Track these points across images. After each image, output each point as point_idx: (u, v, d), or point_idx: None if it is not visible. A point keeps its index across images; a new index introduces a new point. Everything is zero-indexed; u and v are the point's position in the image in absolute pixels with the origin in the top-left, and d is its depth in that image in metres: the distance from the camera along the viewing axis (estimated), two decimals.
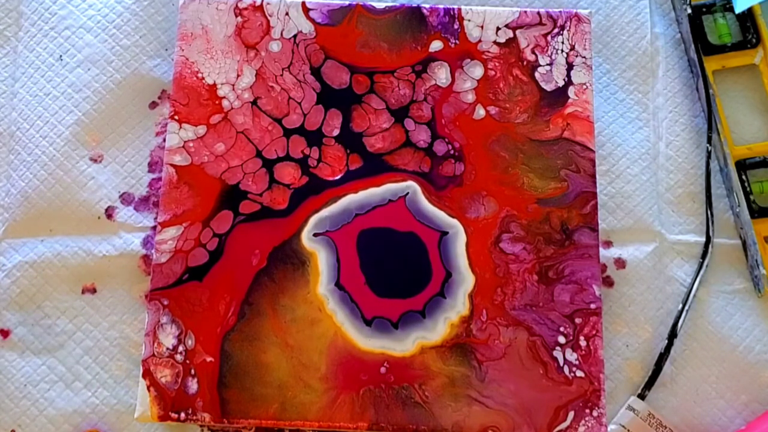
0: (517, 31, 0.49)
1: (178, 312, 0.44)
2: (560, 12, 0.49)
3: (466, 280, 0.45)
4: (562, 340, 0.44)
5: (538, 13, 0.49)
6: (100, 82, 0.50)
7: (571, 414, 0.43)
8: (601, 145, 0.50)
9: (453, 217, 0.46)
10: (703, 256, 0.48)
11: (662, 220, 0.49)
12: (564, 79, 0.48)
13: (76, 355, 0.46)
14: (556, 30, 0.49)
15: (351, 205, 0.46)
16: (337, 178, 0.47)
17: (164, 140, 0.49)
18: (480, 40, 0.49)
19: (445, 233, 0.46)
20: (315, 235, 0.46)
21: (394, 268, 0.45)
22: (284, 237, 0.46)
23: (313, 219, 0.46)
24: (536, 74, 0.48)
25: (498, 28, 0.49)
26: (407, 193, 0.46)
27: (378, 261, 0.45)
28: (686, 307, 0.46)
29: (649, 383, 0.46)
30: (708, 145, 0.49)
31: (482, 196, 0.46)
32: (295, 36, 0.49)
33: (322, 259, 0.45)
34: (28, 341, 0.47)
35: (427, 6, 0.49)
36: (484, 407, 0.43)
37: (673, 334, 0.46)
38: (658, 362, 0.46)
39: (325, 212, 0.46)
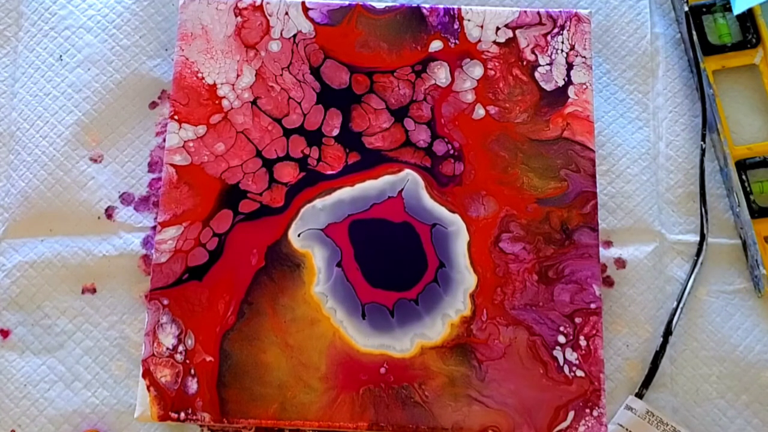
0: (517, 31, 0.49)
1: (177, 312, 0.44)
2: (560, 12, 0.49)
3: (466, 279, 0.45)
4: (562, 339, 0.44)
5: (538, 13, 0.49)
6: (100, 82, 0.50)
7: (571, 414, 0.43)
8: (601, 145, 0.50)
9: (454, 212, 0.46)
10: (698, 253, 0.48)
11: (662, 220, 0.49)
12: (564, 79, 0.48)
13: (76, 355, 0.46)
14: (556, 30, 0.49)
15: (346, 198, 0.46)
16: (334, 172, 0.47)
17: (164, 140, 0.49)
18: (480, 40, 0.49)
19: (435, 225, 0.46)
20: (299, 235, 0.46)
21: (388, 259, 0.45)
22: (278, 233, 0.46)
23: (304, 210, 0.46)
24: (536, 74, 0.48)
25: (498, 28, 0.49)
26: (407, 181, 0.46)
27: (372, 251, 0.45)
28: (681, 305, 0.46)
29: (647, 381, 0.46)
30: (702, 143, 0.49)
31: (482, 196, 0.46)
32: (294, 36, 0.49)
33: (317, 256, 0.45)
34: (28, 341, 0.47)
35: (427, 6, 0.49)
36: (484, 407, 0.43)
37: (668, 332, 0.46)
38: (654, 360, 0.46)
39: (318, 203, 0.46)
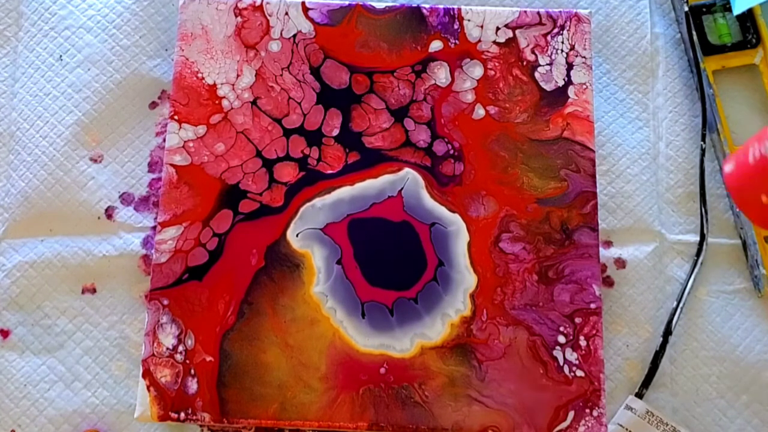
0: (517, 31, 0.49)
1: (177, 312, 0.44)
2: (560, 12, 0.49)
3: (466, 279, 0.45)
4: (562, 339, 0.44)
5: (538, 13, 0.49)
6: (100, 82, 0.50)
7: (571, 414, 0.43)
8: (601, 145, 0.50)
9: (454, 212, 0.46)
10: (698, 254, 0.48)
11: (662, 220, 0.49)
12: (564, 79, 0.48)
13: (76, 355, 0.46)
14: (556, 30, 0.49)
15: (345, 197, 0.46)
16: (334, 172, 0.47)
17: (164, 140, 0.49)
18: (480, 40, 0.49)
19: (434, 224, 0.46)
20: (297, 234, 0.46)
21: (387, 257, 0.45)
22: (278, 233, 0.46)
23: (303, 209, 0.46)
24: (536, 74, 0.48)
25: (498, 28, 0.49)
26: (407, 180, 0.46)
27: (372, 250, 0.45)
28: (680, 305, 0.46)
29: (647, 381, 0.46)
30: (702, 143, 0.49)
31: (482, 196, 0.46)
32: (294, 36, 0.49)
33: (316, 256, 0.45)
34: (28, 341, 0.47)
35: (427, 6, 0.49)
36: (484, 407, 0.43)
37: (668, 332, 0.46)
38: (654, 360, 0.46)
39: (317, 203, 0.46)
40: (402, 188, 0.46)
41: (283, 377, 0.44)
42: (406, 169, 0.47)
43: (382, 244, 0.46)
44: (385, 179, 0.47)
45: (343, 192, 0.46)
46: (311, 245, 0.46)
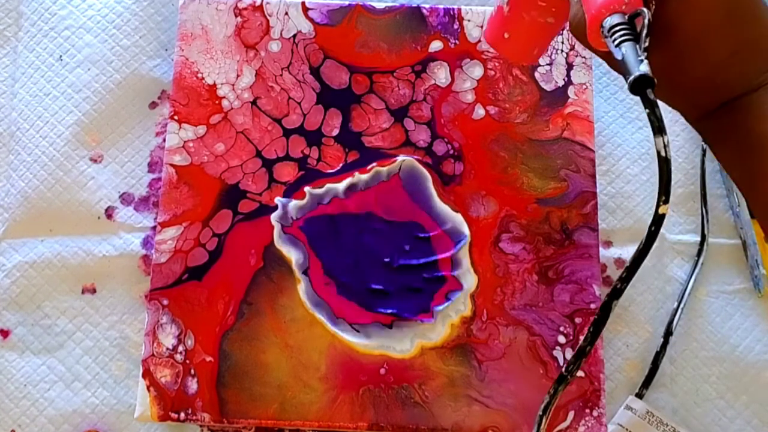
0: None
1: (177, 312, 0.44)
2: None
3: (467, 280, 0.45)
4: (562, 339, 0.44)
5: None
6: (100, 82, 0.50)
7: (571, 414, 0.43)
8: (601, 145, 0.50)
9: (456, 212, 0.46)
10: (698, 254, 0.48)
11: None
12: (564, 79, 0.48)
13: (76, 355, 0.46)
14: None
15: (331, 192, 0.46)
16: (333, 171, 0.47)
17: (164, 140, 0.49)
18: (480, 40, 0.49)
19: (450, 228, 0.46)
20: (284, 229, 0.46)
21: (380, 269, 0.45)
22: (273, 233, 0.46)
23: (281, 204, 0.46)
24: (536, 74, 0.48)
25: None
26: (403, 163, 0.46)
27: (362, 263, 0.45)
28: (681, 306, 0.46)
29: (647, 382, 0.46)
30: (702, 143, 0.49)
31: (482, 196, 0.46)
32: (294, 36, 0.49)
33: (293, 260, 0.45)
34: (28, 341, 0.47)
35: (427, 6, 0.49)
36: (484, 407, 0.43)
37: (668, 332, 0.46)
38: (655, 360, 0.46)
39: (304, 201, 0.46)
40: (398, 172, 0.46)
41: (282, 377, 0.43)
42: (401, 156, 0.47)
43: (376, 251, 0.46)
44: (375, 170, 0.46)
45: (329, 187, 0.46)
46: (290, 249, 0.46)
